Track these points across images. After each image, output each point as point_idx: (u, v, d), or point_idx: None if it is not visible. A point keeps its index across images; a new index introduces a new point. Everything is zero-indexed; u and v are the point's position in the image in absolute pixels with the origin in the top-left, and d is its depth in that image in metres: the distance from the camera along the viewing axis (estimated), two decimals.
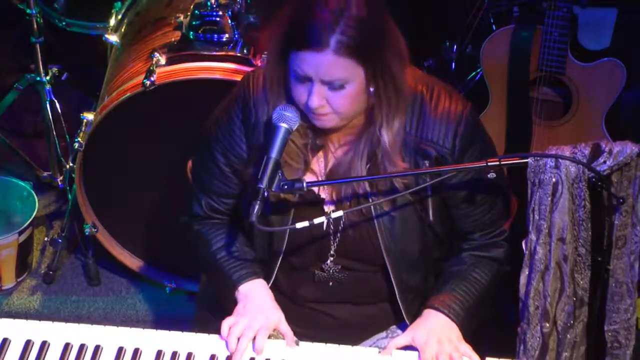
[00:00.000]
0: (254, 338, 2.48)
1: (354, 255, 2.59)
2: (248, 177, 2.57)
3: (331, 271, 2.62)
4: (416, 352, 2.47)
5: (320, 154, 2.56)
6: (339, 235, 2.57)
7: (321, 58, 2.30)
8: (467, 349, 2.47)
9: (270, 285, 2.65)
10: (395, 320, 2.72)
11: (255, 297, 2.57)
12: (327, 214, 2.47)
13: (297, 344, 2.51)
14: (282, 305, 2.67)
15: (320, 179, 2.55)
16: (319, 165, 2.56)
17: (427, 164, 2.48)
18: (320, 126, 2.45)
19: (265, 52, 2.49)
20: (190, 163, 2.87)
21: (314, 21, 2.29)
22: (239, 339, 2.46)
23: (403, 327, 2.69)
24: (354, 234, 2.56)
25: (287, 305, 2.68)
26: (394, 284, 2.59)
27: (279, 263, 2.62)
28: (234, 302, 2.58)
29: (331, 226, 2.56)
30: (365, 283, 2.64)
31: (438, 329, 2.49)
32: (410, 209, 2.53)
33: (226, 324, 2.49)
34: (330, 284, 2.63)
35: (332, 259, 2.60)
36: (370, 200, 2.51)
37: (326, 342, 2.51)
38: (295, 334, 2.69)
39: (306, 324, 2.69)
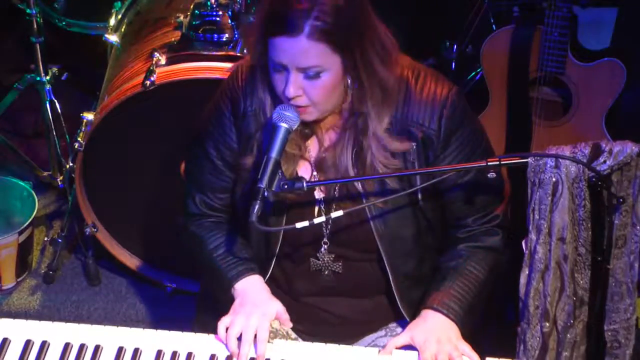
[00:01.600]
0: (255, 338, 2.48)
1: (347, 241, 2.59)
2: (240, 169, 2.59)
3: (325, 259, 2.62)
4: (416, 352, 2.47)
5: (310, 142, 2.57)
6: (330, 222, 2.57)
7: (295, 43, 2.32)
8: (466, 347, 2.46)
9: (266, 279, 2.66)
10: (394, 317, 2.72)
11: (251, 293, 2.58)
12: (327, 214, 2.47)
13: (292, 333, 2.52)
14: (281, 302, 2.68)
15: (312, 166, 2.57)
16: (309, 152, 2.58)
17: (414, 146, 2.49)
18: (301, 120, 2.45)
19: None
20: (183, 165, 2.88)
21: (289, 7, 2.31)
22: (239, 339, 2.47)
23: (402, 324, 2.70)
24: (345, 219, 2.55)
25: (286, 301, 2.69)
26: (388, 271, 2.59)
27: (275, 256, 2.63)
28: (231, 300, 2.59)
29: (323, 212, 2.57)
30: (360, 274, 2.64)
31: (437, 329, 2.49)
32: (399, 189, 2.52)
33: (222, 324, 2.50)
34: (326, 273, 2.63)
35: (325, 247, 2.61)
36: (359, 183, 2.52)
37: (326, 339, 2.52)
38: (296, 330, 2.71)
39: (306, 320, 2.71)
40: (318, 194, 2.58)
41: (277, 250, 2.62)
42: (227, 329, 2.49)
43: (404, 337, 2.51)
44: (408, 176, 2.51)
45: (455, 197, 2.58)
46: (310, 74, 2.36)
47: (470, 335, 2.55)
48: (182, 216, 2.75)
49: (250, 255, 2.66)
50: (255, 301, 2.55)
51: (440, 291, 2.55)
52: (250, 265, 2.63)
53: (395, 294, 2.63)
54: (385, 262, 2.58)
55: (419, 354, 2.46)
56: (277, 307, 2.55)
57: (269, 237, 2.61)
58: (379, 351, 2.49)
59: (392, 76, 2.44)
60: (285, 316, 2.55)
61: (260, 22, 2.41)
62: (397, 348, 2.49)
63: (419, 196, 2.53)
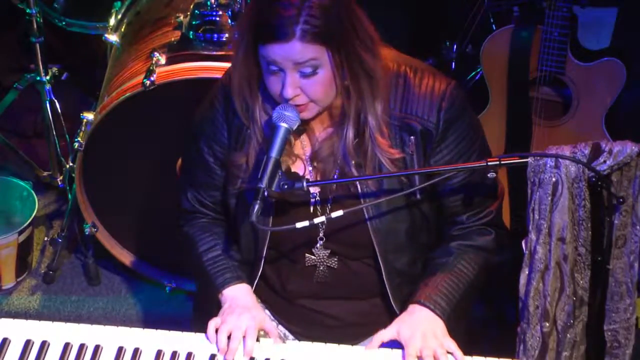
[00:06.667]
0: (244, 338, 2.48)
1: (343, 237, 2.58)
2: (230, 166, 2.60)
3: (320, 255, 2.62)
4: (400, 351, 2.47)
5: (304, 137, 2.57)
6: (326, 219, 2.57)
7: (288, 48, 2.33)
8: (451, 344, 2.46)
9: (258, 279, 2.68)
10: (389, 320, 2.71)
11: (240, 299, 2.59)
12: (323, 211, 2.47)
13: (284, 341, 2.52)
14: (275, 305, 2.71)
15: (305, 162, 2.57)
16: (303, 149, 2.58)
17: (413, 140, 2.50)
18: (301, 118, 2.46)
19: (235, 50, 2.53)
20: (179, 161, 2.89)
21: (277, 14, 2.32)
22: (229, 337, 2.47)
23: None
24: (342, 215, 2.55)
25: (280, 304, 2.70)
26: (381, 266, 2.59)
27: (264, 256, 2.62)
28: (218, 305, 2.61)
29: (318, 208, 2.57)
30: (354, 272, 2.64)
31: (423, 324, 2.49)
32: (397, 187, 2.53)
33: (212, 323, 2.51)
34: (321, 268, 2.63)
35: (321, 242, 2.60)
36: (357, 182, 2.52)
37: (323, 341, 2.51)
38: (292, 332, 2.72)
39: (302, 323, 2.72)
40: (313, 189, 2.58)
41: (266, 248, 2.61)
42: (217, 329, 2.50)
43: (390, 331, 2.50)
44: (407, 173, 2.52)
45: (450, 192, 2.58)
46: (306, 73, 2.38)
47: (466, 335, 2.55)
48: (176, 214, 2.77)
49: (239, 261, 2.67)
50: (243, 305, 2.56)
51: (428, 286, 2.55)
52: (238, 273, 2.64)
53: (388, 291, 2.62)
54: (379, 256, 2.58)
55: (403, 350, 2.46)
56: (263, 315, 2.57)
57: (258, 236, 2.61)
58: (366, 347, 2.49)
59: (378, 63, 2.45)
60: (271, 326, 2.55)
61: (247, 30, 2.42)
62: (383, 341, 2.49)
63: (417, 191, 2.53)
